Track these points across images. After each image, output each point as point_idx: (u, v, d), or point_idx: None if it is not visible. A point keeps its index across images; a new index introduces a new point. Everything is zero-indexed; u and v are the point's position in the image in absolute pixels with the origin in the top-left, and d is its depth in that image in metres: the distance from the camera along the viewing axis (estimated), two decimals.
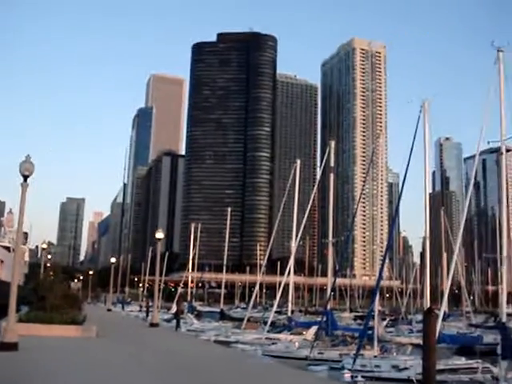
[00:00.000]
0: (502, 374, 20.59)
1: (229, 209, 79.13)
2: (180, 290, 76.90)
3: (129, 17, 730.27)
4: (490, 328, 48.25)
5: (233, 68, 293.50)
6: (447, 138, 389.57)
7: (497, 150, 25.93)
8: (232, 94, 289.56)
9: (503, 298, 24.21)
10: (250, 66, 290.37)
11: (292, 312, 47.74)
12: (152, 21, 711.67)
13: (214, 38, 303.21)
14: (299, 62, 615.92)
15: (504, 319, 23.46)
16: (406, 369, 25.64)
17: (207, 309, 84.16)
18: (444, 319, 53.45)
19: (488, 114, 25.17)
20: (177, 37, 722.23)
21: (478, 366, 25.53)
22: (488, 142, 25.37)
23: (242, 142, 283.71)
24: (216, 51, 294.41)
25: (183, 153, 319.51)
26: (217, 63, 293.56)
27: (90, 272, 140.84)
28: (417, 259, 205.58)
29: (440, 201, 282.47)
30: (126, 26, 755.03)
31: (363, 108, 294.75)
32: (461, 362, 27.47)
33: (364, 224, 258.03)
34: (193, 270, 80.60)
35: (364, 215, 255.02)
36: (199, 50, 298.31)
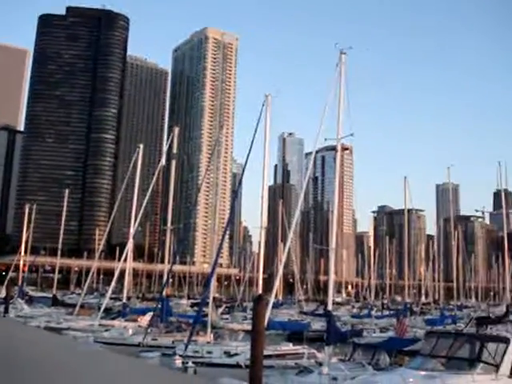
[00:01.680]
0: (326, 359, 21.64)
1: (66, 190, 76.43)
2: (10, 273, 72.84)
3: None
4: (319, 315, 50.86)
5: (81, 44, 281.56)
6: (290, 134, 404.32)
7: (334, 148, 27.12)
8: (79, 71, 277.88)
9: (330, 287, 25.44)
10: (99, 44, 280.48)
11: (129, 298, 47.10)
12: None
13: (63, 11, 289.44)
14: (151, 46, 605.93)
15: (330, 307, 24.66)
16: (236, 354, 26.22)
17: (40, 294, 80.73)
18: (277, 306, 55.68)
19: (327, 113, 26.17)
20: (23, 5, 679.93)
21: (304, 351, 26.74)
22: (325, 139, 26.43)
23: (86, 122, 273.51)
24: (64, 25, 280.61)
25: (22, 128, 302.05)
26: (64, 38, 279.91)
27: None
28: (256, 248, 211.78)
29: (280, 193, 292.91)
30: None
31: (212, 97, 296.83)
32: (288, 347, 28.62)
33: (206, 212, 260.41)
34: (26, 253, 76.73)
35: (207, 204, 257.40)
36: (46, 21, 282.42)
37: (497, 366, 17.50)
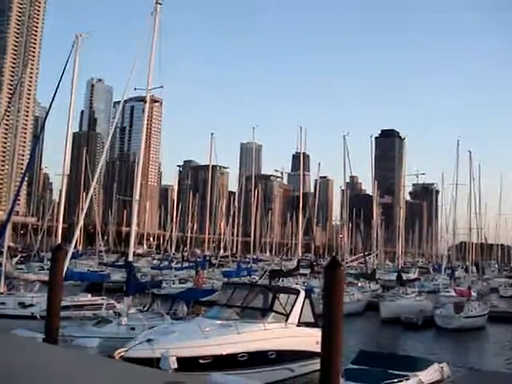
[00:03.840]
0: (125, 310, 21.68)
1: None
2: None
3: None
4: (119, 267, 50.64)
5: None
6: (100, 80, 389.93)
7: (144, 99, 26.65)
8: None
9: (131, 238, 25.38)
10: None
11: None
12: None
13: None
14: None
15: (130, 258, 24.64)
16: (31, 305, 25.30)
17: None
18: (76, 257, 54.32)
19: (139, 62, 25.57)
20: None
21: (103, 302, 26.54)
22: (135, 89, 25.87)
23: None
24: None
25: None
26: None
27: None
28: (56, 197, 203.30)
29: (85, 141, 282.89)
30: None
31: (17, 33, 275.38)
32: (86, 298, 28.22)
33: (4, 157, 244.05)
34: None
35: (4, 147, 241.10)
36: None
37: (287, 316, 18.81)
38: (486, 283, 60.98)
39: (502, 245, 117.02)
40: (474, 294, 41.63)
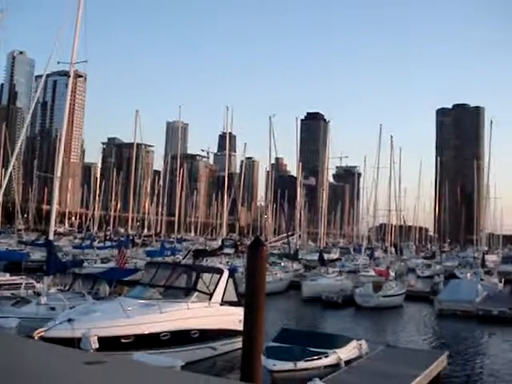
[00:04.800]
0: (45, 289, 21.23)
1: None
2: None
3: None
4: (39, 245, 49.29)
5: None
6: (21, 52, 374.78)
7: (67, 73, 25.89)
8: None
9: (52, 217, 24.75)
10: None
11: None
12: None
13: None
14: None
15: (51, 237, 24.05)
16: None
17: None
18: None
19: (63, 35, 24.85)
20: None
21: (22, 281, 25.84)
22: (58, 63, 25.07)
23: None
24: None
25: None
26: None
27: None
28: None
29: (4, 115, 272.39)
30: None
31: None
32: (5, 278, 27.40)
33: None
34: None
35: None
36: None
37: (210, 295, 18.95)
38: (403, 264, 63.09)
39: (420, 227, 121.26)
40: (392, 273, 43.08)
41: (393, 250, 64.49)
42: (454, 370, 18.00)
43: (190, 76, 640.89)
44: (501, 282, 46.51)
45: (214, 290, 19.10)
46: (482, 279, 43.94)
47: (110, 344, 14.57)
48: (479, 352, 22.97)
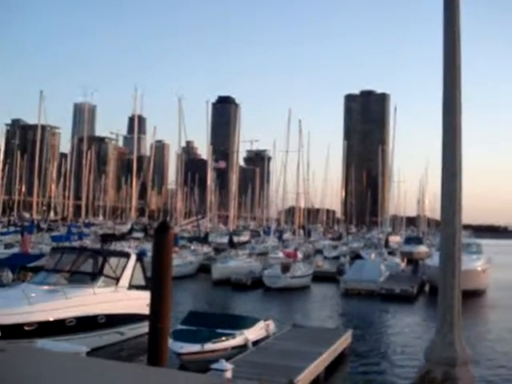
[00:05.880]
0: None
1: None
2: None
3: None
4: None
5: None
6: None
7: None
8: None
9: None
10: None
11: None
12: None
13: None
14: None
15: None
16: None
17: None
18: None
19: None
20: None
21: None
22: None
23: None
24: None
25: None
26: None
27: None
28: None
29: None
30: None
31: None
32: None
33: None
34: None
35: None
36: None
37: (117, 279, 18.75)
38: (311, 245, 64.60)
39: (327, 210, 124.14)
40: (300, 255, 44.00)
41: (301, 232, 65.75)
42: (358, 346, 18.71)
43: (98, 56, 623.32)
44: (403, 261, 48.64)
45: (121, 275, 18.92)
46: (385, 259, 45.75)
47: (12, 332, 14.24)
48: (382, 329, 23.97)
